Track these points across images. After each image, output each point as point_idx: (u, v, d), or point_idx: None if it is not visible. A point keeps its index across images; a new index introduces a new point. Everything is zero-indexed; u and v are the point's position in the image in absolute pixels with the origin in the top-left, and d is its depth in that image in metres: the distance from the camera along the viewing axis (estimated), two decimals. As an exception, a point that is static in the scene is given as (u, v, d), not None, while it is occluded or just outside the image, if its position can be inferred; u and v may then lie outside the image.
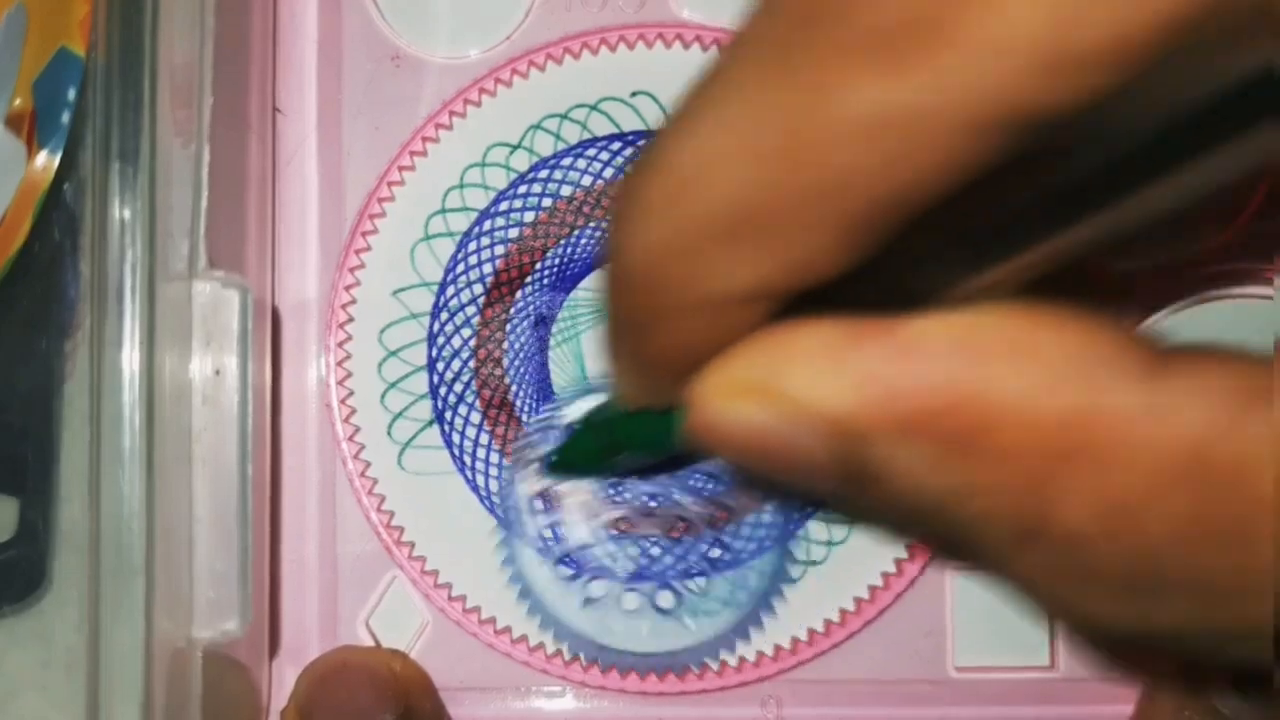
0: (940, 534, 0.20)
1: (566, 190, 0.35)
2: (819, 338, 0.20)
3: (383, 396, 0.35)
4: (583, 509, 0.35)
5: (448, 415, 0.35)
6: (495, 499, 0.35)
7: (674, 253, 0.20)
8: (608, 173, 0.35)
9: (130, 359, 0.27)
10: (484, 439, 0.35)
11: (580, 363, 0.35)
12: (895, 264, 0.19)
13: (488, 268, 0.35)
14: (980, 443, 0.19)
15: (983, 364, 0.19)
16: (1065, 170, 0.18)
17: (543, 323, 0.35)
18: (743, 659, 0.34)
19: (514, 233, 0.35)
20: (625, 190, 0.20)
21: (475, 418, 0.35)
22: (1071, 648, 0.34)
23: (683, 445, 0.23)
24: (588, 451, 0.31)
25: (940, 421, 0.19)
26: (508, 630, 0.35)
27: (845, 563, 0.35)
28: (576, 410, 0.35)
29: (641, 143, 0.35)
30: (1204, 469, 0.18)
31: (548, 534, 0.35)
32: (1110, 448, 0.18)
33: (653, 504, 0.35)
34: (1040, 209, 0.19)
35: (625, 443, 0.29)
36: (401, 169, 0.35)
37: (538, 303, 0.35)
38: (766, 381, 0.20)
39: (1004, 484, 0.19)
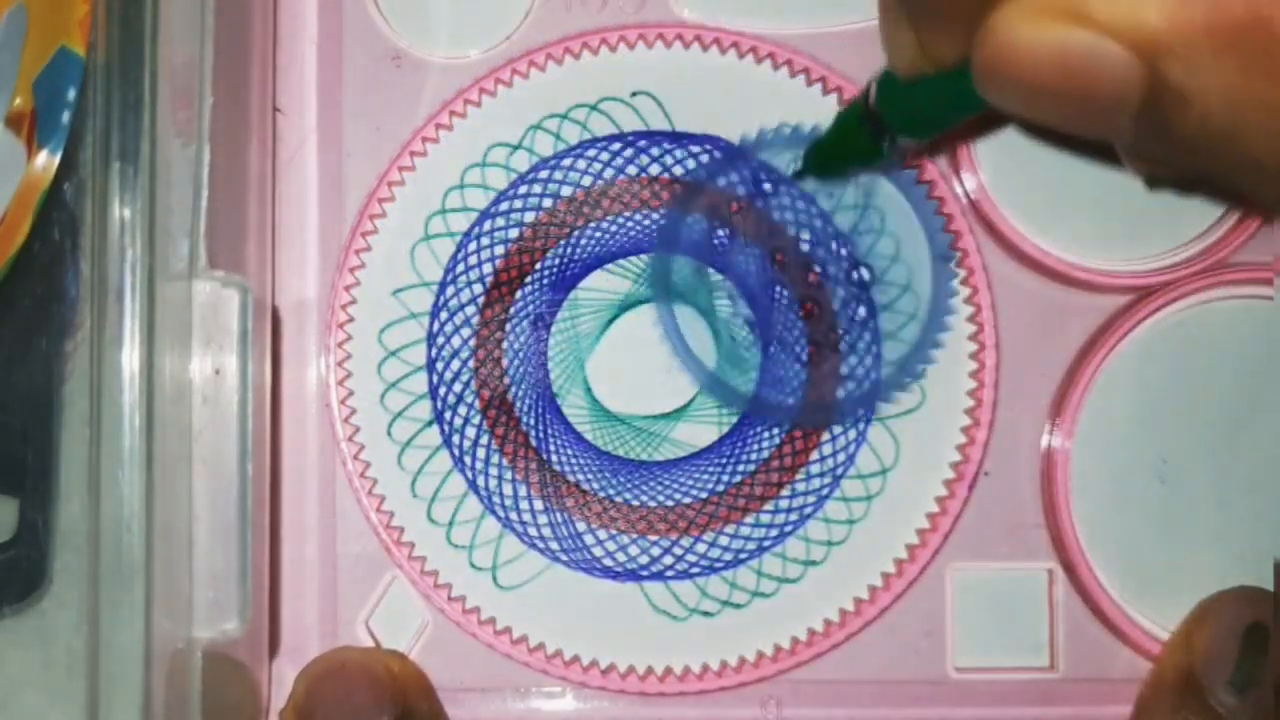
0: (1221, 172, 0.20)
1: (566, 190, 0.35)
2: None
3: (382, 396, 0.35)
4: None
5: (447, 415, 0.35)
6: (495, 498, 0.35)
7: None
8: (608, 173, 0.35)
9: (130, 359, 0.27)
10: (484, 439, 0.35)
11: (580, 363, 0.35)
12: None
13: (487, 268, 0.35)
14: None
15: None
16: None
17: (542, 323, 0.35)
18: (742, 659, 0.34)
19: (514, 233, 0.35)
20: None
21: (475, 418, 0.35)
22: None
23: (969, 99, 0.23)
24: (856, 140, 0.30)
25: (1251, 36, 0.19)
26: (508, 630, 0.35)
27: (845, 563, 0.35)
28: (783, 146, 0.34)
29: (641, 143, 0.35)
30: None
31: (548, 532, 0.35)
32: None
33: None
34: None
35: (908, 113, 0.28)
36: (401, 169, 0.35)
37: (537, 303, 0.35)
38: (1075, 2, 0.20)
39: None
